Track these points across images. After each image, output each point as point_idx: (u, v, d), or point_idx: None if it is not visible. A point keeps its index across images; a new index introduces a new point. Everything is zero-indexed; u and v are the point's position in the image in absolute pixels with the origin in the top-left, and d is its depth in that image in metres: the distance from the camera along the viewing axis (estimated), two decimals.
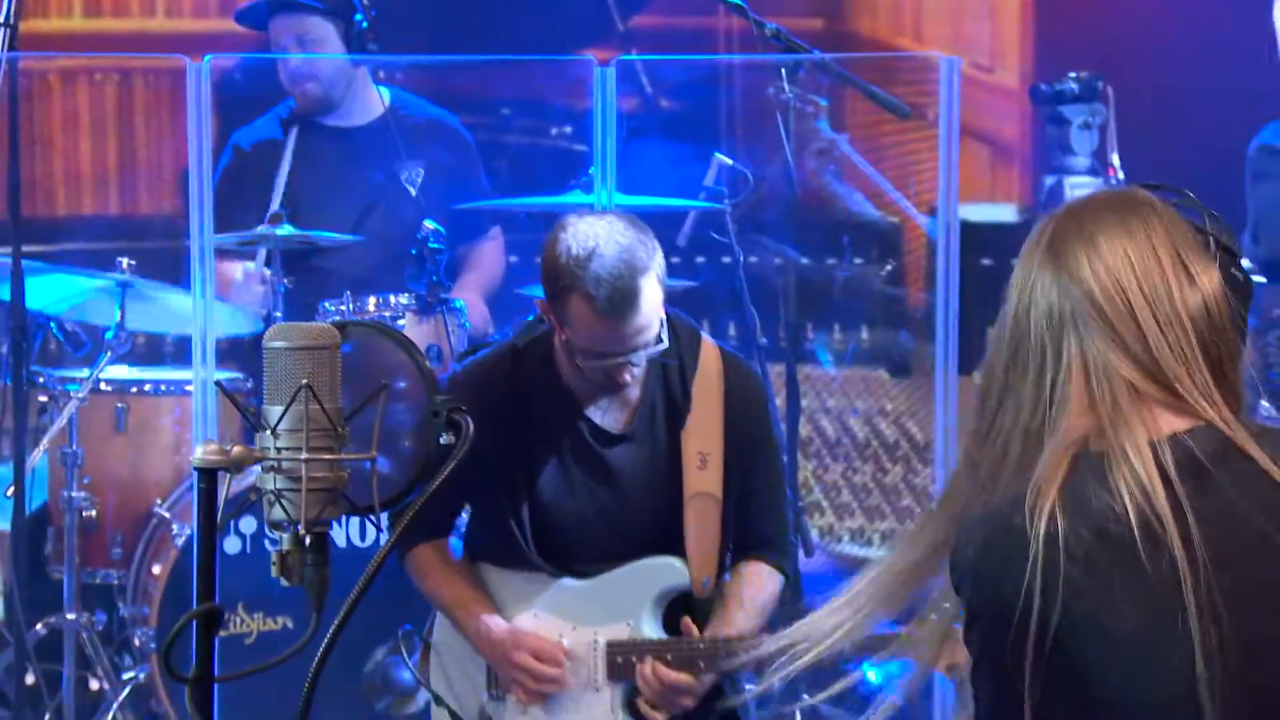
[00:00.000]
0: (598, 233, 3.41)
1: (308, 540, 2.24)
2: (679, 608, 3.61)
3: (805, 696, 5.50)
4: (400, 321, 5.02)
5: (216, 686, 2.29)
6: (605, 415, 3.60)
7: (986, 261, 6.40)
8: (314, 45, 5.46)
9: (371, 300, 5.12)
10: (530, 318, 3.70)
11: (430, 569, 3.71)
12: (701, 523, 3.57)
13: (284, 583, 2.27)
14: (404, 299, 5.11)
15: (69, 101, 6.65)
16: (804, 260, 5.88)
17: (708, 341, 3.66)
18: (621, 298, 3.38)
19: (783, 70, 5.25)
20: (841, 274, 6.57)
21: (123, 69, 6.61)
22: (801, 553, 5.31)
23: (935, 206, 5.02)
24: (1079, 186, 5.16)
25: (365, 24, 5.47)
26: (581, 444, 3.60)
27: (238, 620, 4.83)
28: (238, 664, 2.39)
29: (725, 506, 3.59)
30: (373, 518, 2.32)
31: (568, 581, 3.62)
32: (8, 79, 4.62)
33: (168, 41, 6.59)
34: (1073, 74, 5.21)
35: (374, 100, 5.64)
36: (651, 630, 3.58)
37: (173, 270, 5.16)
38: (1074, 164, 5.21)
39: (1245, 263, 2.22)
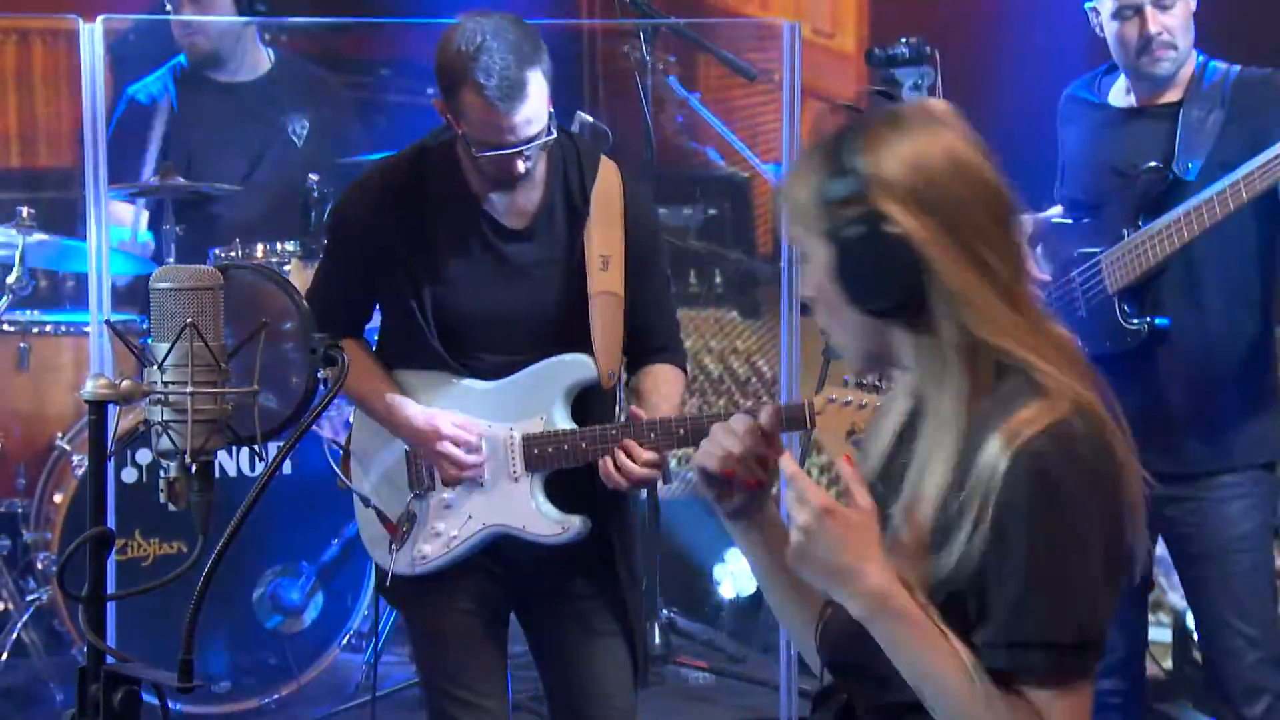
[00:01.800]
0: (485, 29, 3.34)
1: (194, 468, 2.22)
2: (585, 400, 3.56)
3: (665, 612, 5.55)
4: (286, 267, 4.99)
5: (114, 607, 2.27)
6: (506, 214, 3.50)
7: None
8: (205, 2, 5.38)
9: (260, 247, 5.08)
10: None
11: (350, 362, 3.64)
12: (606, 320, 3.52)
13: (172, 507, 2.25)
14: (290, 246, 5.08)
15: None
16: (661, 210, 5.88)
17: (606, 159, 3.60)
18: (509, 86, 3.31)
19: (640, 34, 5.25)
20: (695, 223, 6.58)
21: (21, 29, 6.48)
22: (660, 481, 5.34)
23: (780, 161, 5.04)
24: None
25: None
26: (482, 239, 3.50)
27: (135, 545, 4.79)
28: (136, 586, 2.36)
29: (626, 307, 3.54)
30: (256, 448, 2.29)
31: (479, 383, 3.54)
32: None
33: (64, 2, 6.46)
34: (904, 39, 5.21)
35: (261, 58, 5.58)
36: (563, 422, 3.53)
37: (70, 218, 5.09)
38: None
39: None
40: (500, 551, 3.58)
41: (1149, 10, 4.05)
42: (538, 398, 3.54)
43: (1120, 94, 4.25)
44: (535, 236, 3.52)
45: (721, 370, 6.90)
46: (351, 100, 5.83)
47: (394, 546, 3.58)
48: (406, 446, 3.60)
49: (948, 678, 2.11)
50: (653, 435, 3.49)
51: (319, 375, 2.35)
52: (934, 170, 2.15)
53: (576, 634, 3.61)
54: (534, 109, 3.35)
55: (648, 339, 3.65)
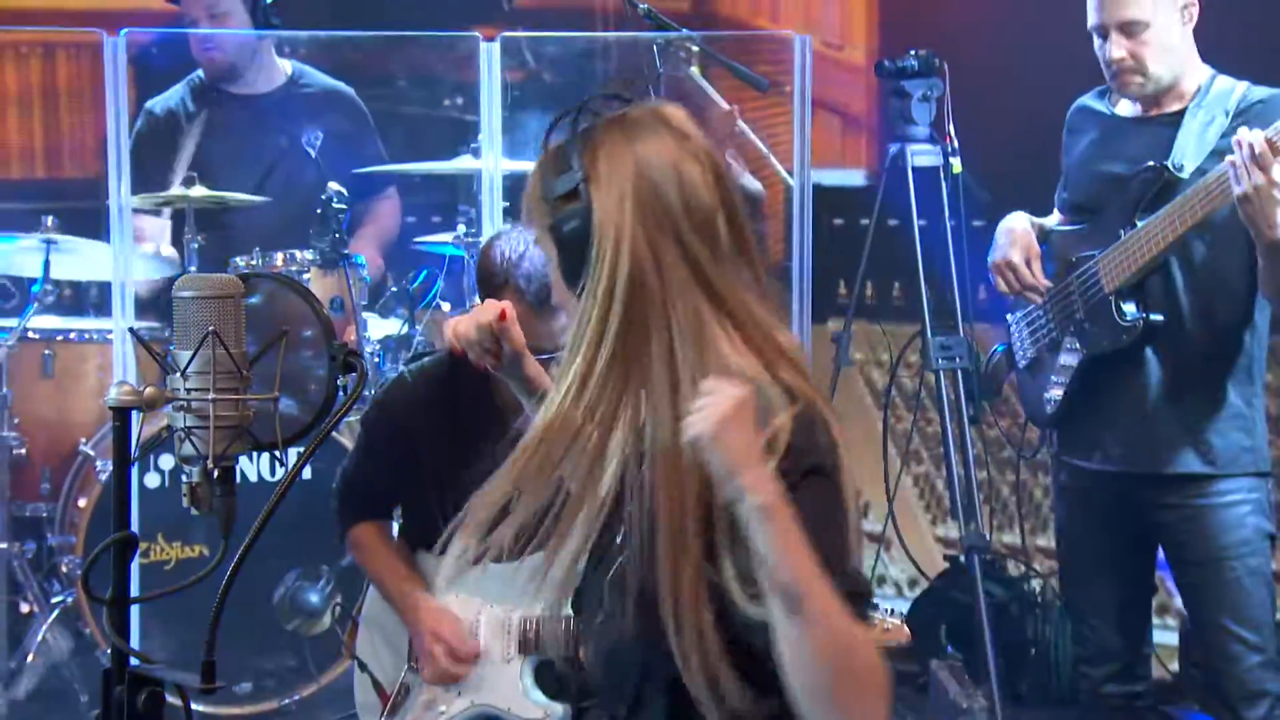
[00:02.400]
0: (526, 239, 3.47)
1: (215, 473, 2.23)
2: None
3: None
4: (305, 275, 4.99)
5: (137, 609, 2.27)
6: (528, 421, 3.57)
7: (838, 221, 6.43)
8: (222, 16, 5.40)
9: (279, 256, 5.08)
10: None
11: (370, 546, 3.74)
12: None
13: (195, 512, 2.26)
14: (308, 255, 5.08)
15: None
16: None
17: None
18: (549, 293, 3.37)
19: (654, 46, 5.25)
20: None
21: (46, 43, 6.50)
22: None
23: (791, 172, 5.04)
24: (920, 153, 5.18)
25: (270, 1, 5.42)
26: (506, 448, 3.56)
27: (158, 549, 4.79)
28: (158, 589, 2.37)
29: None
30: (277, 453, 2.30)
31: (492, 566, 3.59)
32: None
33: (88, 17, 6.47)
34: (913, 51, 5.22)
35: (277, 71, 5.60)
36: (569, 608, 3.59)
37: (94, 228, 5.11)
38: (915, 133, 5.22)
39: None
40: None
41: (1113, 36, 4.07)
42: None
43: (1126, 105, 4.25)
44: None
45: None
46: (368, 112, 5.83)
47: (384, 716, 3.69)
48: None
49: (816, 582, 2.06)
50: None
51: (338, 382, 2.35)
52: (649, 172, 2.18)
53: None
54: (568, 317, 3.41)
55: None
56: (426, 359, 3.82)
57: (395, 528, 3.92)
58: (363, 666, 3.73)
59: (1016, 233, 4.35)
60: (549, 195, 2.24)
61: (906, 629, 3.63)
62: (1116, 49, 4.05)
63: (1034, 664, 5.20)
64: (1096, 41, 4.15)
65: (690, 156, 2.21)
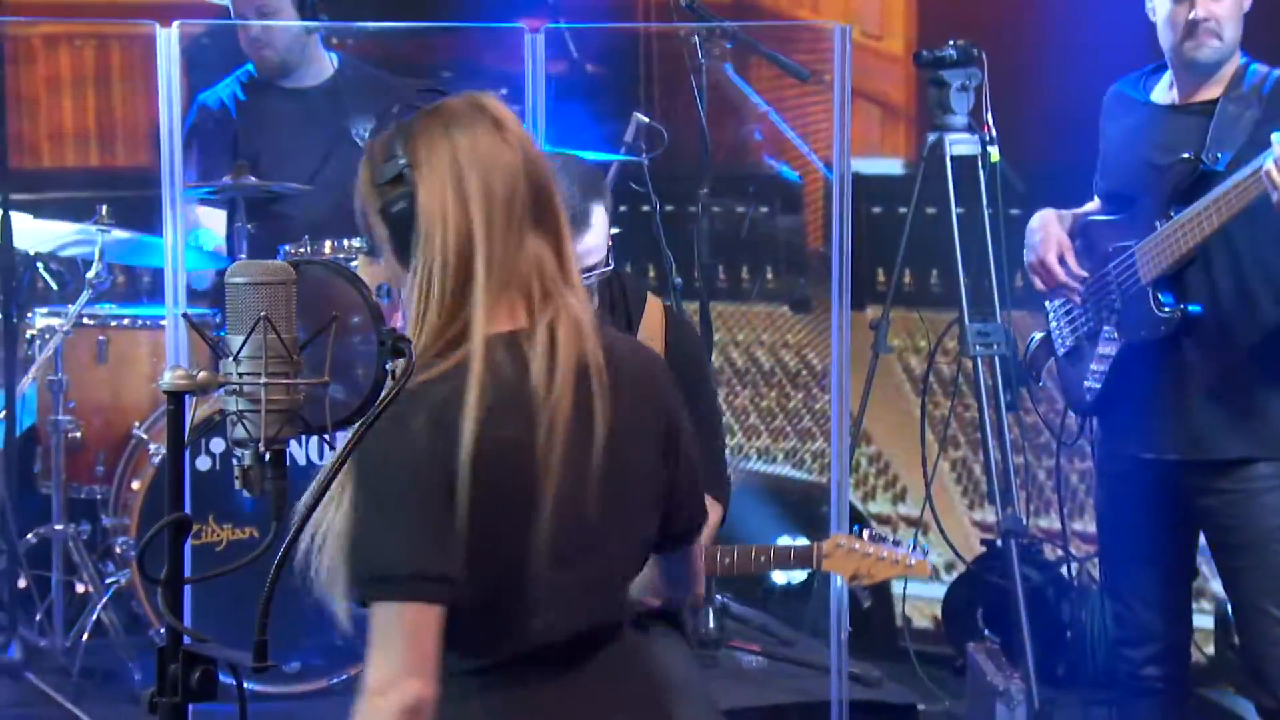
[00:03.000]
0: (554, 164, 3.41)
1: (267, 456, 2.23)
2: None
3: (719, 597, 5.55)
4: (353, 263, 5.00)
5: (189, 589, 2.28)
6: None
7: (876, 209, 6.42)
8: (271, 13, 5.41)
9: (328, 244, 5.09)
10: None
11: None
12: None
13: (247, 494, 2.26)
14: (356, 242, 5.08)
15: (51, 64, 6.57)
16: (715, 208, 5.87)
17: (653, 298, 3.67)
18: (573, 216, 3.35)
19: (695, 37, 5.24)
20: (748, 220, 6.57)
21: (100, 34, 6.52)
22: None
23: (830, 161, 5.03)
24: (958, 142, 5.17)
25: None
26: None
27: (209, 531, 4.81)
28: (209, 570, 2.38)
29: None
30: (326, 436, 2.30)
31: None
32: None
33: (141, 9, 6.50)
34: (951, 41, 5.20)
35: (325, 64, 5.60)
36: None
37: (148, 216, 5.12)
38: (953, 122, 5.21)
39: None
40: None
41: None
42: None
43: (1163, 91, 4.23)
44: None
45: (773, 363, 6.89)
46: (414, 102, 5.83)
47: None
48: None
49: None
50: None
51: (386, 367, 2.36)
52: (465, 156, 2.38)
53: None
54: (595, 240, 3.44)
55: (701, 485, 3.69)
56: None
57: None
58: None
59: (1047, 230, 4.33)
60: (377, 181, 2.41)
61: (928, 565, 3.63)
62: (1201, 7, 4.03)
63: (1070, 647, 5.19)
64: (1164, 6, 4.10)
65: (502, 140, 2.41)
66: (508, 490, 2.36)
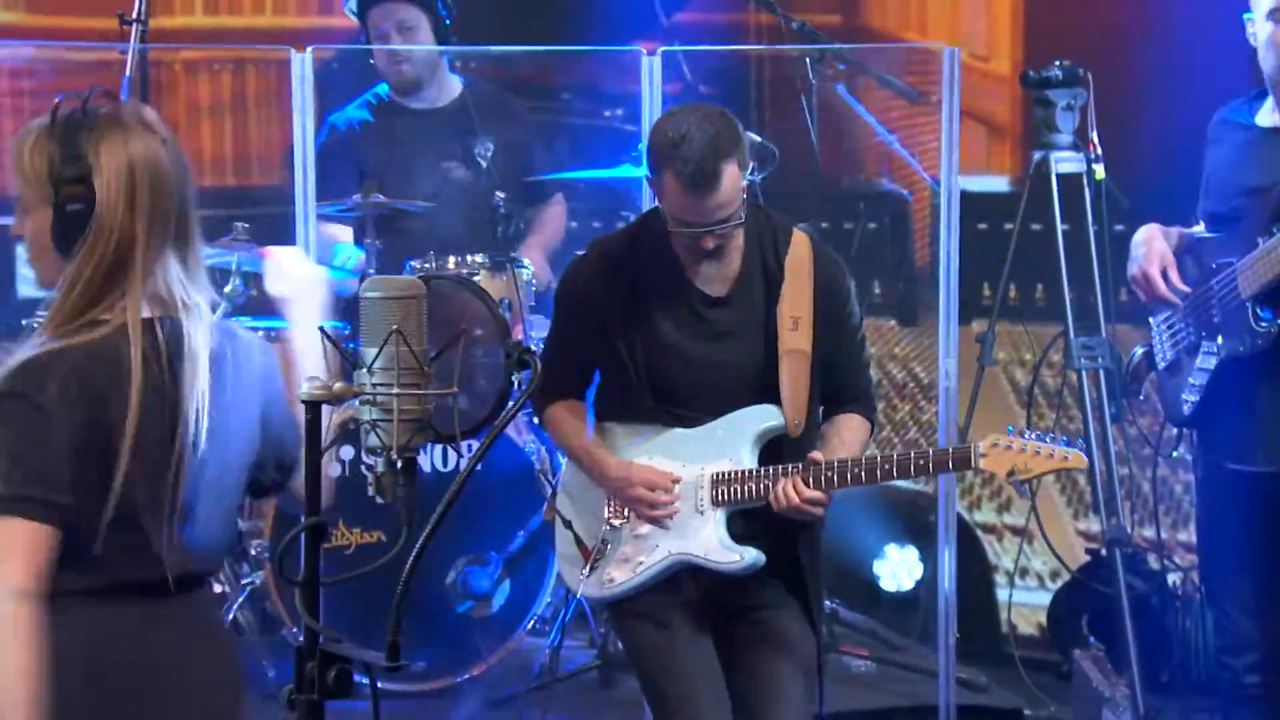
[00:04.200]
0: (690, 121, 3.49)
1: (399, 464, 2.26)
2: (773, 448, 3.64)
3: (829, 603, 5.52)
4: (476, 278, 5.03)
5: (321, 589, 2.30)
6: (709, 282, 3.64)
7: (982, 226, 6.37)
8: (410, 31, 5.47)
9: (451, 259, 5.12)
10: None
11: (563, 422, 3.77)
12: (794, 374, 3.61)
13: (379, 500, 2.29)
14: (478, 258, 5.12)
15: (191, 88, 6.67)
16: (824, 224, 5.85)
17: (799, 232, 3.72)
18: (703, 176, 3.45)
19: (806, 59, 5.23)
20: (858, 236, 6.53)
21: (237, 59, 6.61)
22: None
23: (939, 179, 5.00)
24: (1064, 160, 5.13)
25: (449, 21, 5.48)
26: (688, 306, 3.64)
27: (339, 534, 4.86)
28: (339, 572, 2.40)
29: (813, 362, 3.63)
30: (454, 445, 2.32)
31: (678, 430, 3.68)
32: (139, 68, 4.64)
33: (275, 35, 6.59)
34: (1057, 62, 5.16)
35: (452, 85, 5.65)
36: (751, 463, 3.63)
37: (281, 233, 5.18)
38: (1059, 140, 5.18)
39: None
40: (698, 578, 3.67)
41: None
42: (729, 443, 3.65)
43: (1266, 115, 4.18)
44: (734, 302, 3.66)
45: (880, 375, 6.85)
46: (535, 123, 5.87)
47: (585, 568, 3.73)
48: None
49: None
50: (829, 475, 3.55)
51: (513, 379, 2.37)
52: (139, 167, 2.55)
53: (767, 653, 3.66)
54: (725, 196, 3.49)
55: (840, 392, 3.74)
56: (620, 230, 3.87)
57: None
58: (567, 524, 3.77)
59: (1151, 245, 4.29)
60: (56, 176, 2.54)
61: (1084, 458, 3.59)
62: None
63: (1174, 655, 5.12)
64: (1265, 26, 4.04)
65: (170, 158, 2.59)
66: (133, 445, 2.50)
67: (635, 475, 3.65)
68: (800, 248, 3.68)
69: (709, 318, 3.64)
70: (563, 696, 4.95)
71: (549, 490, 3.95)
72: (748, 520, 3.65)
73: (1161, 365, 4.40)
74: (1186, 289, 4.23)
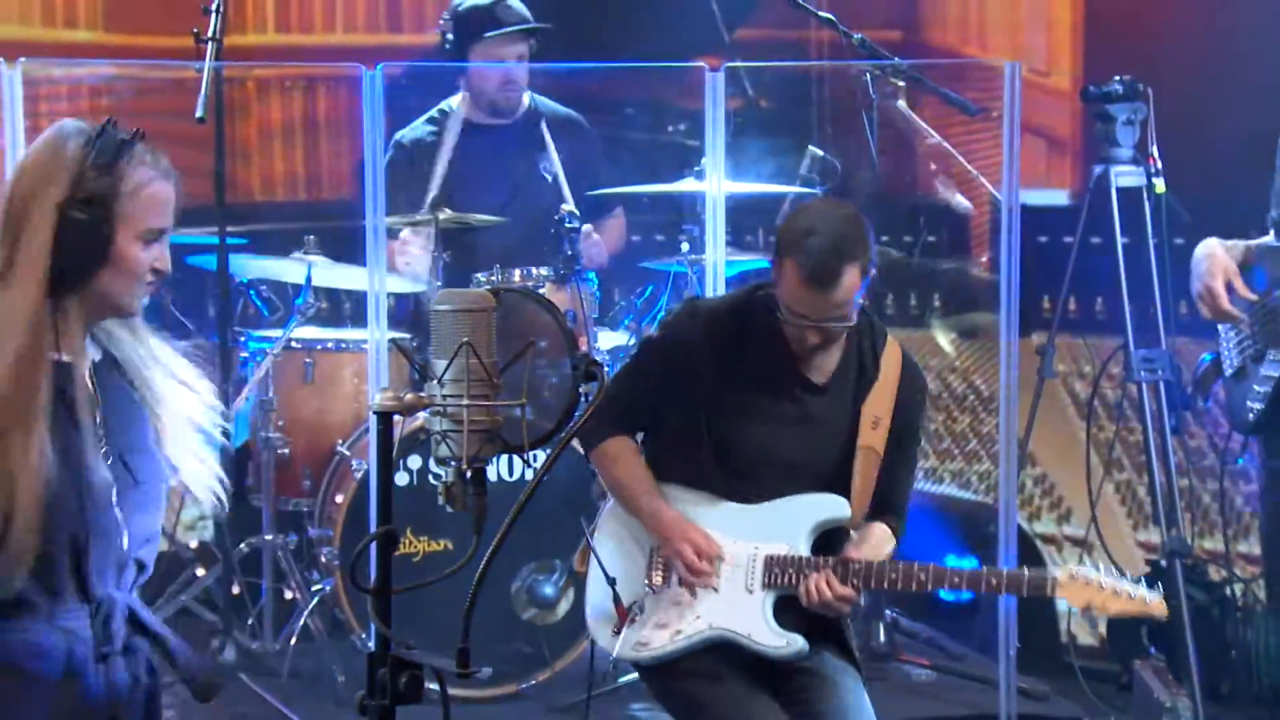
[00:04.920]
0: (824, 215, 3.52)
1: (469, 474, 2.26)
2: (822, 541, 3.62)
3: (889, 612, 5.50)
4: (541, 290, 5.03)
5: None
6: (813, 370, 3.64)
7: (1042, 239, 6.33)
8: (522, 59, 5.52)
9: (517, 272, 5.13)
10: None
11: (624, 458, 3.71)
12: (865, 471, 3.61)
13: (449, 510, 2.29)
14: (543, 271, 5.12)
15: (264, 104, 6.72)
16: (884, 236, 5.83)
17: (893, 340, 3.73)
18: (825, 273, 3.45)
19: (867, 74, 5.21)
20: (918, 249, 6.51)
21: (308, 77, 6.66)
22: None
23: (998, 192, 4.98)
24: (1124, 174, 5.11)
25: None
26: (790, 390, 3.63)
27: (407, 542, 4.87)
28: (407, 580, 2.41)
29: (881, 463, 3.63)
30: (523, 455, 2.33)
31: (734, 504, 3.64)
32: (215, 85, 4.67)
33: (345, 53, 6.63)
34: (1117, 77, 5.15)
35: (521, 101, 5.66)
36: (806, 551, 3.60)
37: (351, 247, 5.21)
38: (1119, 154, 5.16)
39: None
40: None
41: None
42: (789, 527, 3.62)
43: None
44: (830, 392, 3.65)
45: (940, 387, 6.82)
46: (599, 138, 5.88)
47: (618, 629, 3.66)
48: (651, 543, 3.68)
49: None
50: (898, 579, 3.52)
51: (580, 390, 2.37)
52: None
53: (827, 696, 3.60)
54: (841, 296, 3.49)
55: (884, 498, 3.70)
56: (720, 297, 3.85)
57: None
58: (611, 581, 3.68)
59: (1213, 258, 4.26)
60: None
61: (1165, 606, 3.53)
62: None
63: (1235, 666, 5.07)
64: None
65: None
66: None
67: (691, 533, 3.59)
68: (893, 353, 3.70)
69: (805, 402, 3.63)
70: (626, 702, 4.95)
71: (583, 538, 3.83)
72: (793, 604, 3.59)
73: (1228, 372, 4.37)
74: (1253, 297, 4.20)
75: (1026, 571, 3.59)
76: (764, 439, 3.62)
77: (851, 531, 3.66)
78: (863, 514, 3.62)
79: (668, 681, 3.68)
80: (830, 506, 3.61)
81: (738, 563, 3.61)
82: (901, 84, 5.30)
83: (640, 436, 3.79)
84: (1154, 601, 3.47)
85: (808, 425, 3.63)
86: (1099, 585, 3.46)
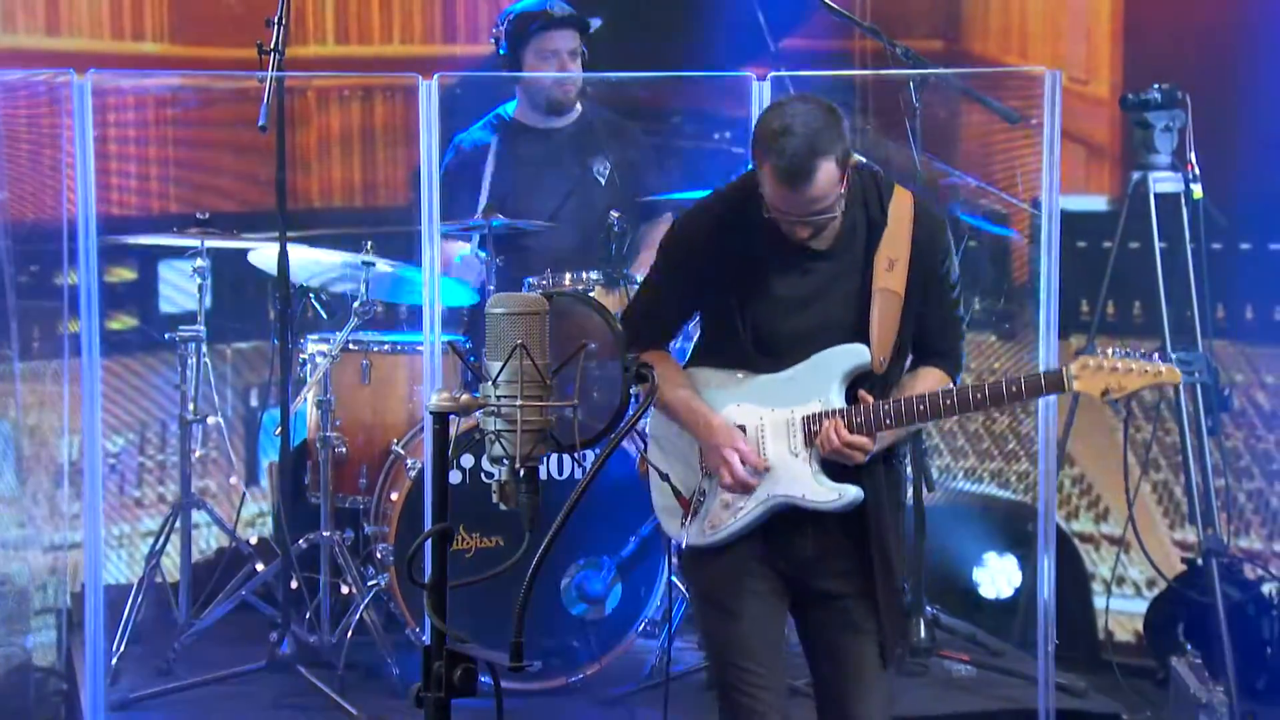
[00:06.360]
0: (794, 115, 3.45)
1: (522, 472, 2.26)
2: (860, 385, 3.60)
3: (930, 609, 5.47)
4: (590, 293, 5.03)
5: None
6: (816, 240, 3.59)
7: (1081, 244, 6.29)
8: (574, 55, 5.51)
9: (567, 276, 5.13)
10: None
11: (658, 366, 3.69)
12: (884, 312, 3.57)
13: (503, 507, 2.30)
14: (594, 275, 5.12)
15: (323, 113, 6.74)
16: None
17: (900, 190, 3.67)
18: (798, 171, 3.41)
19: (910, 83, 5.20)
20: (961, 252, 6.47)
21: (366, 86, 6.67)
22: (924, 488, 5.26)
23: (1038, 198, 4.95)
24: (1162, 180, 5.09)
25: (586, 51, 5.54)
26: (792, 260, 3.60)
27: (460, 539, 4.88)
28: (460, 575, 2.41)
29: (905, 304, 3.58)
30: (574, 455, 2.33)
31: (766, 376, 3.63)
32: (276, 94, 4.70)
33: (402, 62, 6.64)
34: (1156, 85, 5.12)
35: (574, 108, 5.67)
36: (839, 403, 3.58)
37: (407, 251, 5.22)
38: (1157, 161, 5.14)
39: None
40: (783, 543, 3.61)
41: None
42: (817, 383, 3.59)
43: None
44: (837, 254, 3.60)
45: None
46: (648, 145, 5.87)
47: (685, 519, 3.65)
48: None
49: None
50: (869, 417, 3.52)
51: (631, 391, 2.37)
52: None
53: (841, 635, 3.62)
54: (819, 191, 3.45)
55: (927, 345, 3.67)
56: (721, 188, 3.82)
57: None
58: (664, 476, 3.68)
59: None
60: None
61: (1178, 371, 3.51)
62: None
63: (1271, 662, 5.03)
64: None
65: None
66: None
67: (735, 440, 3.59)
68: (903, 199, 3.63)
69: (812, 269, 3.59)
70: (673, 695, 4.94)
71: (639, 445, 3.82)
72: (834, 468, 3.59)
73: None
74: None
75: (1041, 373, 3.58)
76: (784, 312, 3.59)
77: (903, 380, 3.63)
78: (885, 354, 3.57)
79: (711, 577, 3.67)
80: (850, 355, 3.57)
81: (778, 430, 3.60)
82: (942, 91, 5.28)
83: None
84: (1166, 369, 3.46)
85: (821, 290, 3.60)
86: (1112, 367, 3.45)
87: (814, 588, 3.63)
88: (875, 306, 3.56)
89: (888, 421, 3.54)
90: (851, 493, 3.57)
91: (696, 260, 3.64)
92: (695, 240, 3.66)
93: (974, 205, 6.01)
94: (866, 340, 3.57)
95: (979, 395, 3.53)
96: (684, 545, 3.69)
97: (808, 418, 3.59)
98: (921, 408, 3.53)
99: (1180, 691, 4.74)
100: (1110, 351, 3.47)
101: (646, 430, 3.80)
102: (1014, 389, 3.52)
